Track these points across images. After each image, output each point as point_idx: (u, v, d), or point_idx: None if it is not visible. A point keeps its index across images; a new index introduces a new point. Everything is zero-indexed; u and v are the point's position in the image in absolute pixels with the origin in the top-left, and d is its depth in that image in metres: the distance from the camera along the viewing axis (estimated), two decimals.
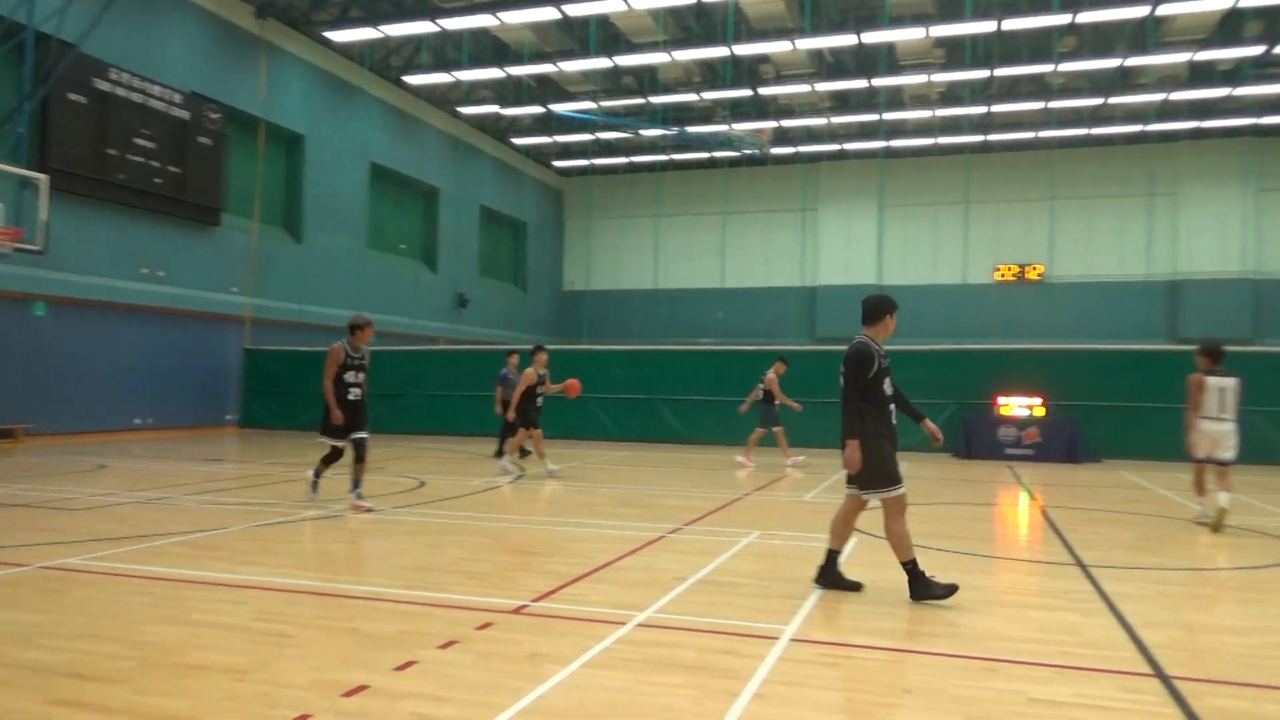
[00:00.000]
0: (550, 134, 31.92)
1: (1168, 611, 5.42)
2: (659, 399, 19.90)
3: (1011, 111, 29.10)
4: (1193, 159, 31.66)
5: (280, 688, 3.82)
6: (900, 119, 30.03)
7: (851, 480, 5.82)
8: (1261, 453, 16.06)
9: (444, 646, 4.40)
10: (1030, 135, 31.02)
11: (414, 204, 29.67)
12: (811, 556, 6.91)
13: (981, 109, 28.37)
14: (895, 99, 28.51)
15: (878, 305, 5.92)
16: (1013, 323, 31.55)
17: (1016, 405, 17.16)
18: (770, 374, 14.75)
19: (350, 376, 8.92)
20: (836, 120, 29.80)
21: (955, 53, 24.67)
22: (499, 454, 15.02)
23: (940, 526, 8.73)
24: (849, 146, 32.91)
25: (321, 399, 8.91)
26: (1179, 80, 26.48)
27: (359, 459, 9.04)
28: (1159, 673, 4.18)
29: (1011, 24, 21.07)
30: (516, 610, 5.14)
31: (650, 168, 36.01)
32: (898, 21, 21.98)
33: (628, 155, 34.66)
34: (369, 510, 8.78)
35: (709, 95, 27.18)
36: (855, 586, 5.81)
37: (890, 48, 24.32)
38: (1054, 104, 27.71)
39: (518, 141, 33.15)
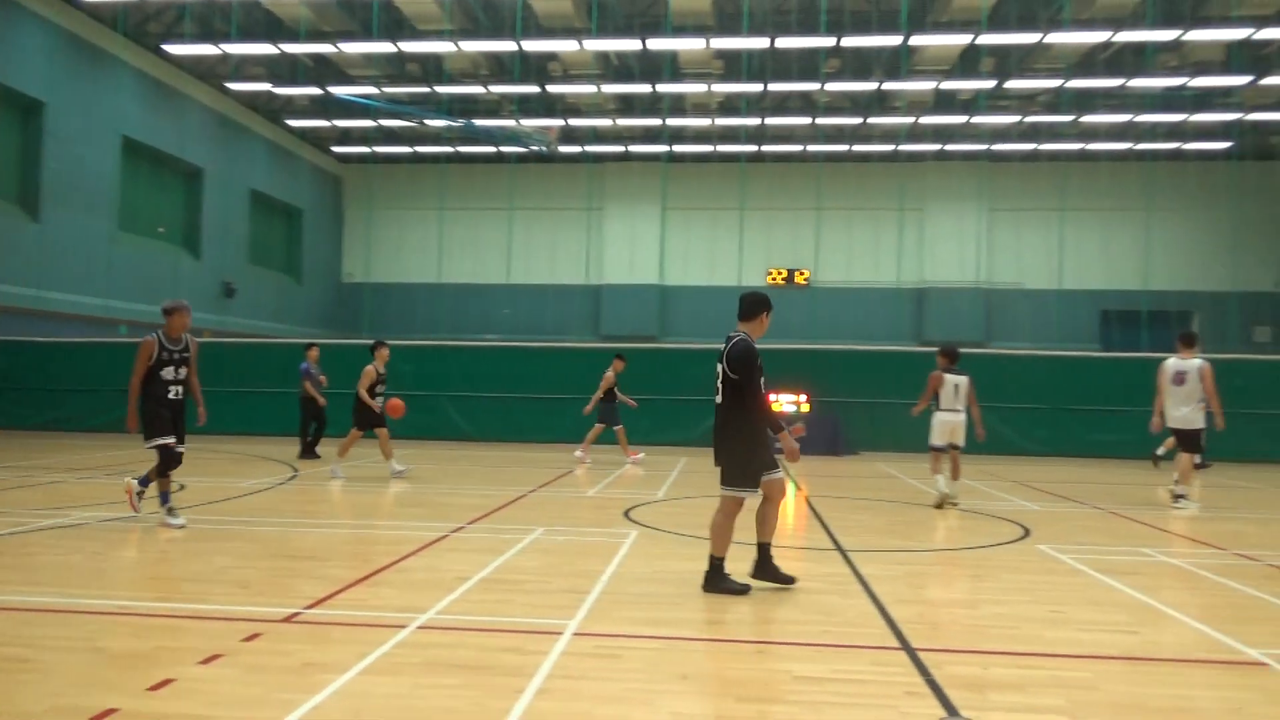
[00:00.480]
0: (329, 117, 30.46)
1: (913, 589, 5.97)
2: (444, 396, 19.51)
3: (783, 125, 30.87)
4: (937, 179, 34.90)
5: (13, 719, 3.43)
6: (682, 125, 31.08)
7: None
8: (992, 445, 17.96)
9: (205, 662, 4.11)
10: (799, 148, 33.05)
11: (174, 184, 27.36)
12: (595, 551, 7.04)
13: (756, 120, 29.93)
14: (678, 105, 29.48)
15: (755, 303, 5.99)
16: (782, 324, 33.36)
17: (785, 401, 18.24)
18: (609, 372, 14.91)
19: (168, 373, 7.76)
20: (622, 122, 30.43)
21: (733, 65, 25.84)
22: (305, 454, 14.46)
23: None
24: (634, 149, 33.68)
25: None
26: (926, 106, 29.10)
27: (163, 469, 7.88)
28: (906, 646, 4.59)
29: (784, 42, 22.37)
30: (288, 619, 4.88)
31: (435, 159, 35.18)
32: (680, 30, 22.74)
33: (412, 144, 33.71)
34: (182, 526, 7.64)
35: (496, 89, 26.96)
36: (745, 589, 5.75)
37: (673, 55, 25.10)
38: (820, 120, 29.67)
39: (293, 123, 31.38)
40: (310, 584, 5.71)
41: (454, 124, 28.47)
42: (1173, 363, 10.64)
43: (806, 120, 29.78)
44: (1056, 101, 28.43)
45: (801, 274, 35.18)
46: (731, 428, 5.80)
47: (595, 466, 14.29)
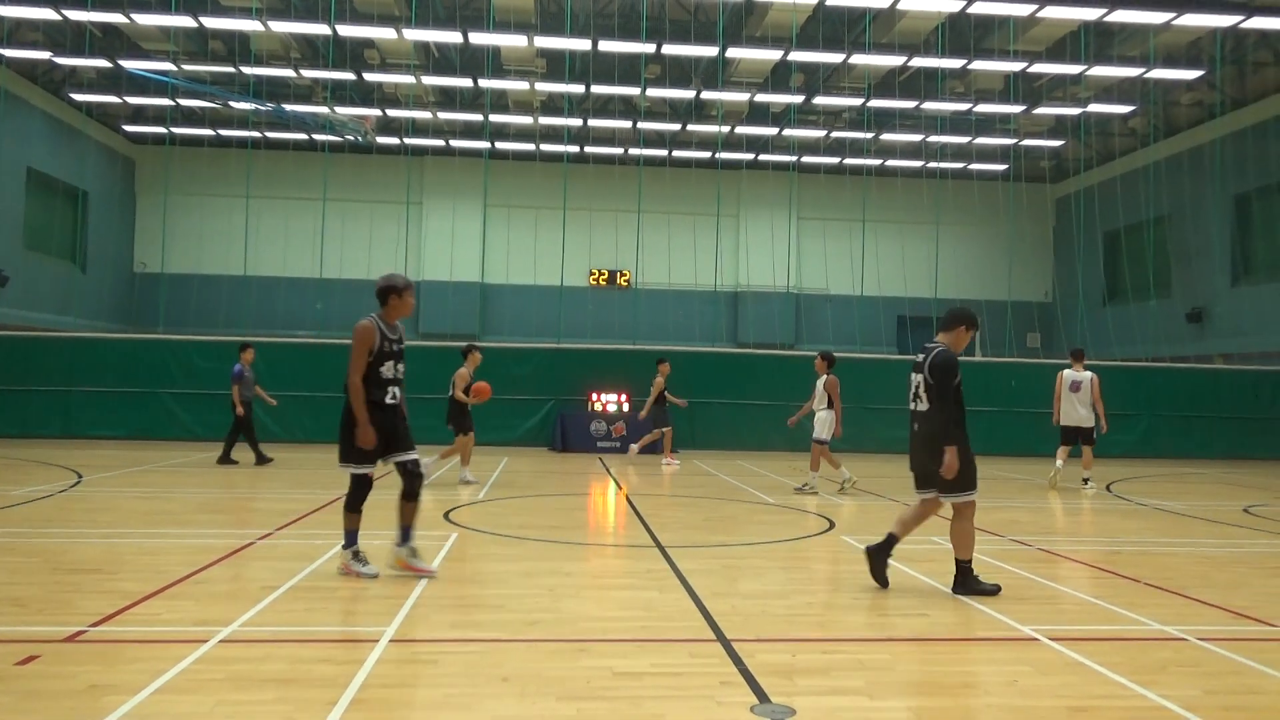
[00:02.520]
0: (119, 93, 28.10)
1: (728, 582, 6.19)
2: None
3: (605, 127, 31.23)
4: (751, 187, 36.33)
5: None
6: (505, 122, 30.83)
7: (932, 484, 6.09)
8: (802, 443, 18.87)
9: None
10: (621, 151, 33.53)
11: None
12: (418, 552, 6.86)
13: (578, 121, 30.13)
14: (500, 102, 29.23)
15: (955, 316, 6.23)
16: (604, 324, 33.84)
17: (607, 402, 18.46)
18: (658, 378, 15.72)
19: (388, 370, 6.21)
20: (443, 116, 29.84)
21: (556, 64, 25.88)
22: (224, 459, 13.90)
23: (536, 518, 9.12)
24: (455, 143, 33.10)
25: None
26: (741, 116, 30.25)
27: (408, 494, 6.20)
28: (721, 637, 4.77)
29: (606, 45, 22.63)
30: (70, 638, 4.48)
31: (241, 143, 33.17)
32: (502, 26, 22.55)
33: (214, 127, 31.64)
34: (431, 575, 6.07)
35: (309, 74, 25.76)
36: (884, 584, 6.03)
37: (495, 51, 24.85)
38: (642, 124, 30.24)
39: (77, 97, 28.75)
40: (96, 599, 5.27)
41: (262, 108, 26.99)
42: (1069, 374, 13.20)
43: (628, 124, 30.28)
44: (859, 119, 30.27)
45: (623, 275, 35.69)
46: (942, 436, 5.91)
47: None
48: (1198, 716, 3.71)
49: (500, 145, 32.88)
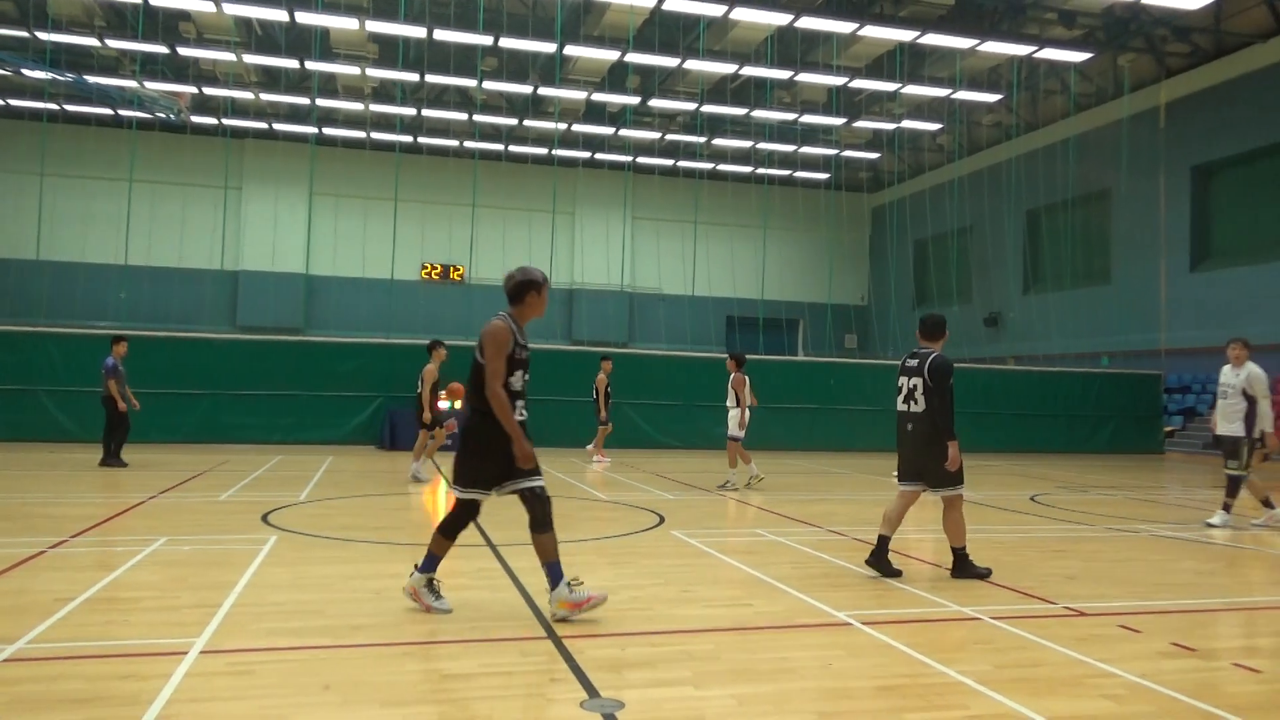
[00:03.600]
0: None
1: None
2: (41, 390, 16.93)
3: (440, 118, 30.59)
4: (587, 185, 36.52)
5: None
6: (333, 107, 29.64)
7: (920, 479, 6.59)
8: (631, 439, 19.17)
9: None
10: (456, 143, 32.93)
11: None
12: (227, 560, 6.51)
13: (412, 111, 29.35)
14: (328, 86, 28.07)
15: (937, 324, 6.74)
16: (437, 319, 33.14)
17: (438, 398, 18.06)
18: (601, 374, 15.77)
19: (516, 381, 5.40)
20: (266, 97, 28.36)
21: (389, 50, 25.13)
22: (109, 460, 12.85)
23: (362, 519, 8.84)
24: (279, 126, 31.52)
25: None
26: (578, 115, 30.35)
27: (540, 523, 5.26)
28: (552, 634, 4.78)
29: (442, 34, 22.16)
30: None
31: (35, 115, 30.33)
32: (332, 7, 21.68)
33: (4, 96, 28.80)
34: (448, 611, 5.20)
35: (115, 44, 23.84)
36: (898, 573, 6.45)
37: (324, 32, 23.85)
38: (478, 117, 29.80)
39: None
40: None
41: (60, 78, 24.76)
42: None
43: (463, 116, 29.76)
44: (692, 123, 31.01)
45: (456, 270, 35.08)
46: (945, 433, 6.38)
47: (235, 469, 13.20)
48: (989, 688, 4.04)
49: (328, 131, 31.57)
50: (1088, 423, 22.97)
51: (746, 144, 32.58)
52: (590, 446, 16.47)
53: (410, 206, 34.18)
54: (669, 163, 35.14)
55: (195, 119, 29.98)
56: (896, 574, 6.48)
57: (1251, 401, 9.54)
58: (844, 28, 21.92)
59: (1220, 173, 25.41)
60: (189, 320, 30.42)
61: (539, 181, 35.68)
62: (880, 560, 6.49)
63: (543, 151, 33.69)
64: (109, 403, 13.17)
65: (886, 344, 36.92)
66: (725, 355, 13.26)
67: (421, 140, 32.63)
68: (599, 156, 34.65)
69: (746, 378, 12.45)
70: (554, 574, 5.12)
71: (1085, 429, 22.88)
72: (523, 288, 5.50)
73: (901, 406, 6.73)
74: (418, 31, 22.24)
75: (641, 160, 35.05)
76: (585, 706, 3.71)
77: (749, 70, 24.92)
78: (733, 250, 37.91)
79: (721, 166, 35.66)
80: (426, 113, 29.56)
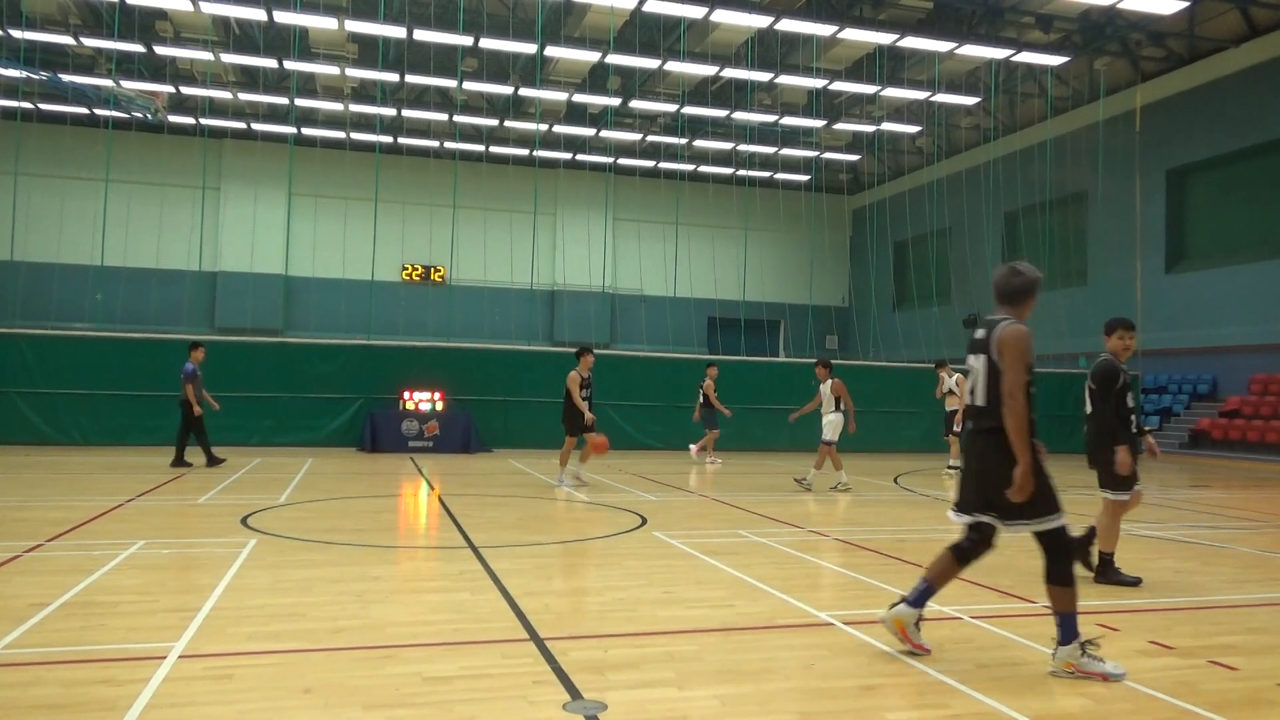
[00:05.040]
0: None
1: (542, 581, 6.20)
2: (14, 392, 16.73)
3: (420, 118, 30.48)
4: (568, 186, 36.48)
5: None
6: (312, 107, 29.45)
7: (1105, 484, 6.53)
8: (614, 440, 19.15)
9: None
10: (436, 144, 32.82)
11: None
12: (206, 563, 6.46)
13: (392, 111, 29.23)
14: (307, 86, 27.91)
15: (1112, 323, 6.65)
16: (417, 321, 33.01)
17: (420, 400, 18.01)
18: (707, 381, 16.50)
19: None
20: (244, 97, 28.17)
21: (369, 51, 25.00)
22: (177, 462, 13.19)
23: (343, 521, 8.79)
24: (257, 126, 31.29)
25: None
26: (559, 115, 30.32)
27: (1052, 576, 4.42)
28: (534, 636, 4.77)
29: (422, 35, 22.08)
30: None
31: (10, 114, 29.98)
32: (310, 6, 21.54)
33: None
34: (927, 651, 4.62)
35: (91, 43, 23.59)
36: (1136, 581, 6.48)
37: (303, 32, 23.70)
38: (458, 118, 29.72)
39: None
40: None
41: (35, 76, 24.46)
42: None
43: (444, 116, 29.68)
44: (673, 124, 31.04)
45: (438, 271, 34.96)
46: (1111, 438, 6.37)
47: (213, 472, 13.09)
48: (969, 687, 4.06)
49: (307, 131, 31.37)
50: (1066, 423, 23.14)
51: (727, 145, 32.64)
52: (694, 448, 17.11)
53: (390, 207, 34.02)
54: (650, 164, 35.15)
55: (172, 118, 29.72)
56: (1135, 583, 6.56)
57: None
58: (824, 30, 22.01)
59: (1194, 176, 25.70)
60: (167, 322, 30.13)
61: (520, 182, 35.60)
62: (1108, 574, 6.63)
63: (524, 152, 33.63)
64: (186, 406, 13.40)
65: (867, 345, 37.10)
66: (707, 356, 13.32)
67: (402, 141, 32.49)
68: (580, 157, 34.62)
69: (843, 382, 12.82)
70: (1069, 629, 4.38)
71: (1064, 429, 23.06)
72: (1031, 287, 4.73)
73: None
74: (398, 32, 22.14)
75: (623, 161, 35.04)
76: (568, 709, 3.70)
77: (730, 72, 24.97)
78: (714, 251, 37.97)
79: (702, 168, 35.72)
80: (406, 113, 29.44)
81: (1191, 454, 22.98)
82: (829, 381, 12.80)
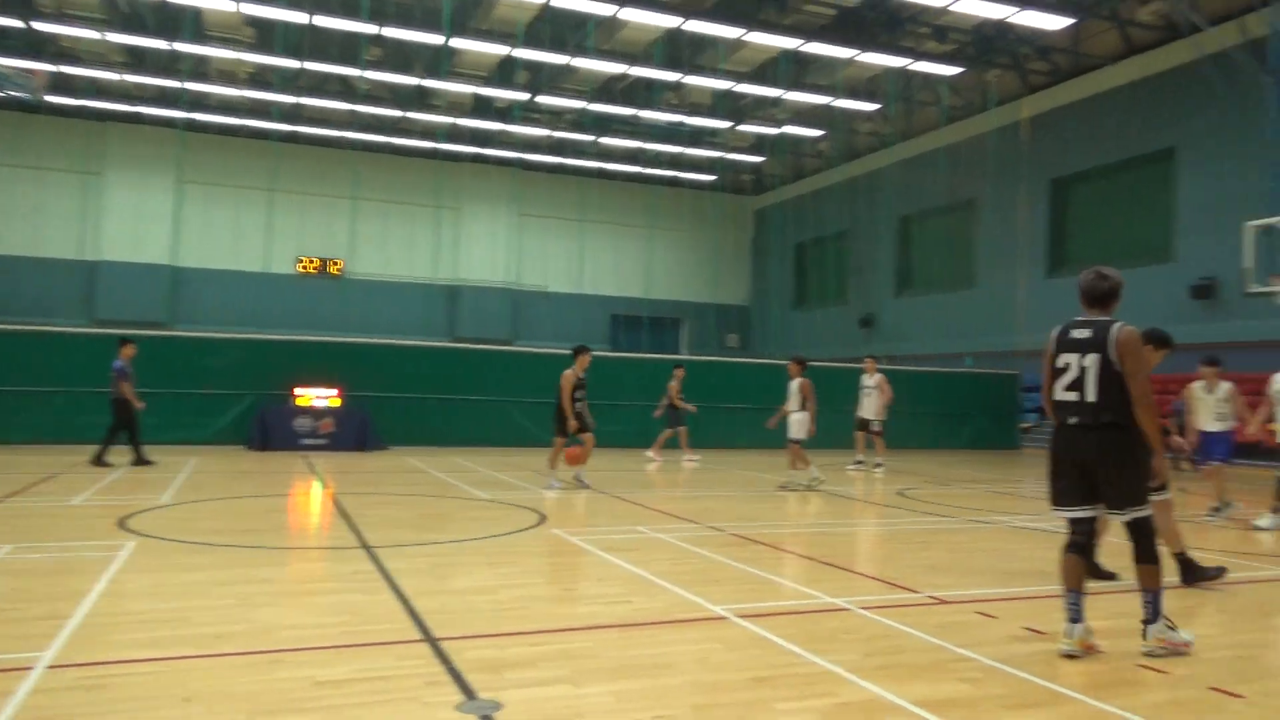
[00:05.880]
0: None
1: (437, 580, 6.12)
2: None
3: (320, 107, 29.63)
4: (473, 180, 36.06)
5: None
6: (204, 91, 28.31)
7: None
8: (516, 437, 19.04)
9: None
10: (337, 134, 31.97)
11: None
12: (81, 568, 6.15)
13: (291, 99, 28.34)
14: (200, 69, 26.81)
15: (1152, 336, 6.44)
16: (313, 315, 32.11)
17: (314, 396, 17.52)
18: (673, 382, 16.67)
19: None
20: (131, 79, 26.87)
21: (266, 35, 24.18)
22: (139, 461, 12.65)
23: (229, 522, 8.50)
24: (145, 110, 29.90)
25: None
26: (465, 109, 29.92)
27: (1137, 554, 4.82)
28: (428, 637, 4.71)
29: (323, 21, 21.47)
30: None
31: None
32: None
33: None
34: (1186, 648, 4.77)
35: None
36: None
37: (197, 13, 22.76)
38: (360, 108, 29.01)
39: None
40: None
41: None
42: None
43: (345, 106, 28.92)
44: (580, 121, 30.99)
45: (335, 264, 34.08)
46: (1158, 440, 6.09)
47: (91, 471, 12.45)
48: (857, 676, 4.19)
49: (199, 117, 30.14)
50: (952, 420, 24.07)
51: (634, 144, 32.78)
52: (652, 450, 17.22)
53: (287, 197, 33.00)
54: (557, 160, 35.02)
55: (52, 99, 28.12)
56: (1110, 575, 6.52)
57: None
58: (731, 33, 22.33)
59: (1075, 185, 27.05)
60: (43, 313, 28.53)
61: (423, 176, 35.00)
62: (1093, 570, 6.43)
63: (428, 145, 33.07)
64: (120, 404, 12.79)
65: (768, 343, 37.80)
66: (611, 353, 13.38)
67: (300, 129, 31.52)
68: (486, 152, 34.24)
69: (812, 382, 12.85)
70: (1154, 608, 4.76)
71: (950, 426, 23.97)
72: (1118, 290, 5.05)
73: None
74: (298, 17, 21.47)
75: (529, 157, 34.81)
76: (462, 709, 3.67)
77: (637, 71, 25.09)
78: (619, 249, 38.09)
79: (609, 165, 35.77)
80: (306, 101, 28.58)
81: None
82: (798, 380, 12.88)
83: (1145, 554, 4.75)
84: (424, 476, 13.22)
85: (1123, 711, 3.84)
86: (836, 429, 21.00)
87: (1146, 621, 4.74)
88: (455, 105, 29.49)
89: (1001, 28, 23.36)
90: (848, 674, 4.24)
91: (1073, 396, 4.88)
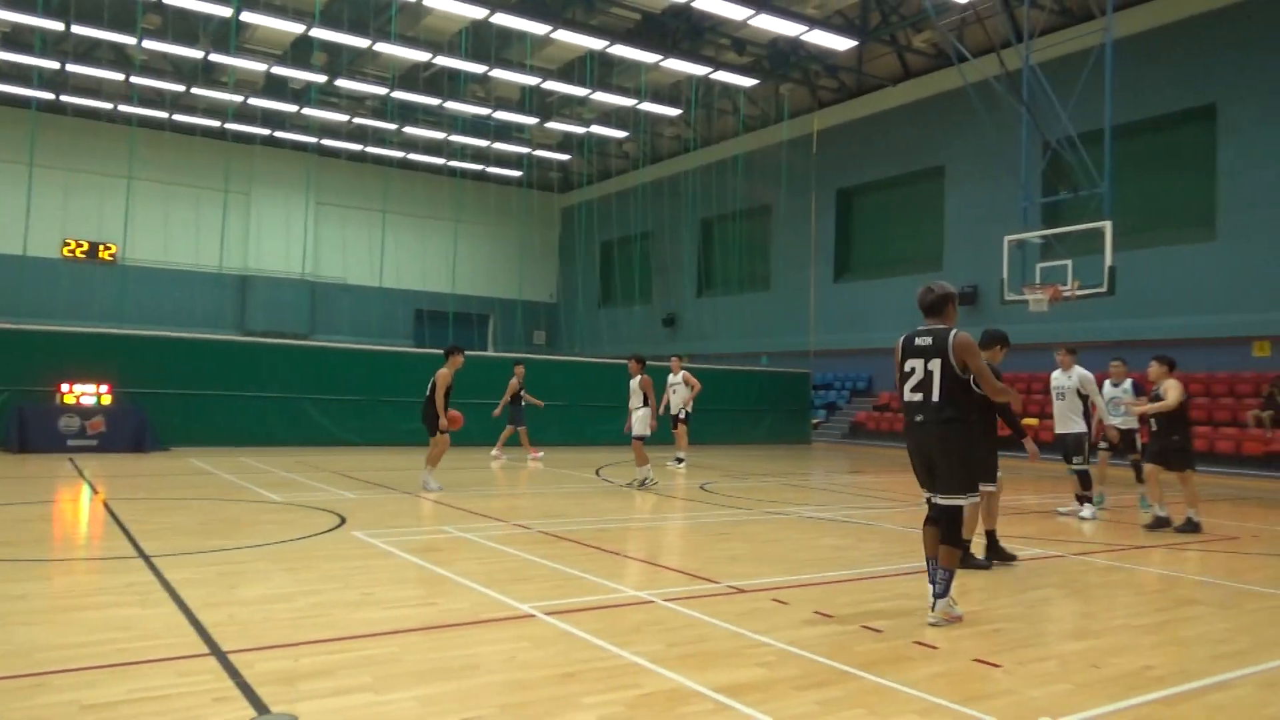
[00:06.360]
0: None
1: (226, 590, 5.76)
2: None
3: (89, 76, 27.07)
4: (266, 164, 34.09)
5: None
6: None
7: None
8: (311, 436, 18.19)
9: None
10: (110, 106, 29.31)
11: None
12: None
13: (53, 64, 25.70)
14: None
15: (993, 336, 7.75)
16: (83, 304, 29.30)
17: (82, 393, 15.99)
18: (513, 379, 16.66)
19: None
20: None
21: None
22: None
23: None
24: None
25: None
26: (257, 88, 28.23)
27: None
28: (215, 650, 4.42)
29: None
30: None
31: None
32: None
33: None
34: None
35: None
36: (1013, 557, 7.33)
37: None
38: (136, 79, 26.72)
39: None
40: None
41: None
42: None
43: (119, 76, 26.54)
44: (383, 108, 30.00)
45: (107, 249, 31.26)
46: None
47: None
48: (660, 666, 4.32)
49: None
50: (749, 416, 25.20)
51: (439, 135, 32.08)
52: (495, 449, 16.97)
53: (50, 174, 29.94)
54: (357, 147, 33.70)
55: None
56: (1012, 558, 7.30)
57: (1086, 400, 10.47)
58: (538, 29, 22.28)
59: (859, 197, 29.01)
60: None
61: (209, 157, 32.71)
62: (997, 553, 7.29)
63: (215, 124, 30.92)
64: None
65: (574, 340, 38.09)
66: (415, 349, 13.07)
67: (66, 99, 28.60)
68: (279, 135, 32.42)
69: (652, 379, 12.90)
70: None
71: (747, 422, 25.08)
72: (947, 300, 5.62)
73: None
74: None
75: (327, 143, 33.28)
76: None
77: (442, 60, 24.56)
78: (423, 243, 37.19)
79: (413, 156, 34.82)
80: (72, 68, 25.97)
81: (851, 443, 25.91)
82: (639, 377, 12.94)
83: (951, 538, 5.34)
84: (210, 479, 12.37)
85: (899, 685, 4.17)
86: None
87: (938, 596, 5.28)
88: (246, 83, 27.75)
89: (794, 44, 24.67)
90: (652, 665, 4.36)
91: (918, 397, 5.46)
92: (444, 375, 11.59)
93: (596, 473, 15.26)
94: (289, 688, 3.92)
